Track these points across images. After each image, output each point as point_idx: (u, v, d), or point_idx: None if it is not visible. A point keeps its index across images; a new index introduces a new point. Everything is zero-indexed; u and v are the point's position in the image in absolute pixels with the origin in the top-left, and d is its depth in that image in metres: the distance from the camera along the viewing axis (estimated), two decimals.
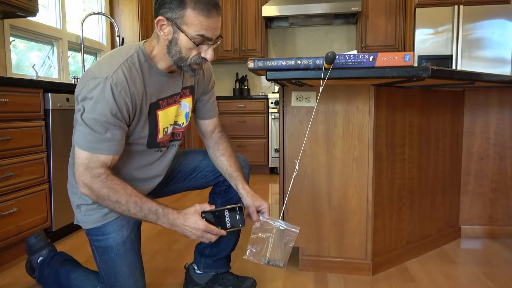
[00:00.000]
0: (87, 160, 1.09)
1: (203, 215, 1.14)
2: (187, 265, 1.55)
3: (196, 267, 1.51)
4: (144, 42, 1.19)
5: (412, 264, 1.77)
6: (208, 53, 1.13)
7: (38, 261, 1.48)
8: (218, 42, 1.16)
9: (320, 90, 1.29)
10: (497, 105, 2.06)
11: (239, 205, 1.19)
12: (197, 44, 1.10)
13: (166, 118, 1.25)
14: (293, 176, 1.49)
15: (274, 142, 4.18)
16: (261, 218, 1.24)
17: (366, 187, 1.62)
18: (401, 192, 1.79)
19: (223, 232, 1.15)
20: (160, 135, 1.24)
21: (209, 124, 1.43)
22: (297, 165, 1.45)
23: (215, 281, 1.50)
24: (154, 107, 1.20)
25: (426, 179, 1.91)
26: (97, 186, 1.10)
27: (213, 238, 1.15)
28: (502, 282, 1.59)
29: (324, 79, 1.23)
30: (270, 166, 4.25)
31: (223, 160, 1.37)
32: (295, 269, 1.71)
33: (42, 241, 1.52)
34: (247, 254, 1.22)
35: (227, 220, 1.16)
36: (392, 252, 1.75)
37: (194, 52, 1.12)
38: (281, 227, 1.22)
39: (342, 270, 1.67)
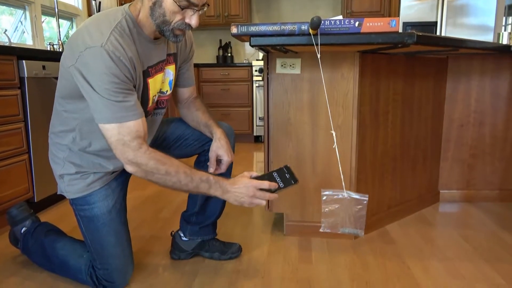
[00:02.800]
0: (119, 135, 1.05)
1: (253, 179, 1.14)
2: (173, 233, 1.57)
3: (182, 234, 1.52)
4: (129, 5, 1.14)
5: (392, 227, 1.84)
6: (193, 19, 1.09)
7: (22, 231, 1.47)
8: (204, 9, 1.12)
9: (318, 57, 1.27)
10: (479, 72, 2.08)
11: (286, 165, 1.20)
12: (182, 8, 1.06)
13: (155, 85, 1.22)
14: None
15: (259, 110, 4.16)
16: (326, 192, 1.22)
17: (349, 154, 1.65)
18: (384, 159, 1.82)
19: (274, 185, 1.13)
20: (150, 104, 1.22)
21: (187, 92, 1.43)
22: (334, 135, 1.42)
23: (201, 248, 1.52)
24: (145, 75, 1.17)
25: (408, 146, 1.94)
26: (143, 159, 1.06)
27: (267, 196, 1.12)
28: (477, 242, 1.67)
29: (312, 45, 1.21)
30: (254, 134, 4.25)
31: (199, 113, 1.38)
32: (279, 234, 1.76)
33: (24, 212, 1.50)
34: (322, 227, 1.22)
35: (278, 180, 1.16)
36: (374, 217, 1.80)
37: (178, 17, 1.08)
38: (349, 197, 1.22)
39: (325, 234, 1.71)
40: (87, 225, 1.24)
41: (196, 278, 1.39)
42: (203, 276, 1.41)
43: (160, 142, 1.42)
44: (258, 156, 3.52)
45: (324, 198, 1.22)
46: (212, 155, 1.29)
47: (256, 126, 4.21)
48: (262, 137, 4.30)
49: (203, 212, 1.47)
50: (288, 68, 1.62)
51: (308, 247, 1.63)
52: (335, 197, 1.22)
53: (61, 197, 2.26)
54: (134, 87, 1.12)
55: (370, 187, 1.77)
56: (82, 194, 1.21)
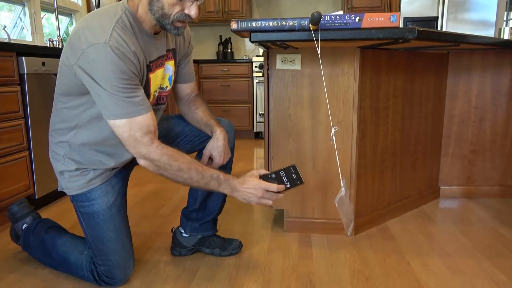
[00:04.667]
0: (130, 131, 1.06)
1: (261, 178, 1.16)
2: (173, 229, 1.57)
3: (183, 231, 1.52)
4: (128, 0, 1.13)
5: (392, 223, 1.84)
6: (192, 9, 1.09)
7: (23, 228, 1.48)
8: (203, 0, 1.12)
9: (318, 52, 1.27)
10: (480, 68, 2.08)
11: (292, 164, 1.21)
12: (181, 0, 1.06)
13: (156, 81, 1.22)
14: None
15: (259, 106, 4.15)
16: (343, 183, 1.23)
17: (350, 151, 1.64)
18: (384, 155, 1.82)
19: (282, 187, 1.15)
20: (151, 99, 1.22)
21: (187, 88, 1.42)
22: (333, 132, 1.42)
23: (202, 244, 1.53)
24: (147, 70, 1.16)
25: (408, 142, 1.94)
26: (156, 155, 1.08)
27: (273, 197, 1.15)
28: (477, 238, 1.67)
29: (312, 40, 1.21)
30: (255, 131, 4.24)
31: (199, 112, 1.37)
32: (280, 230, 1.76)
33: (25, 208, 1.50)
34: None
35: (285, 180, 1.18)
36: (374, 213, 1.80)
37: (177, 8, 1.08)
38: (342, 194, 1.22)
39: (325, 230, 1.72)
40: (88, 221, 1.24)
41: (196, 274, 1.40)
42: (204, 272, 1.41)
43: (160, 139, 1.42)
44: (259, 153, 3.52)
45: (343, 183, 1.23)
46: (205, 153, 1.30)
47: (257, 122, 4.20)
48: (263, 133, 4.30)
49: (203, 209, 1.47)
50: (288, 64, 1.61)
51: (308, 243, 1.63)
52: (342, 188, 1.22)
53: (62, 194, 2.26)
54: (140, 81, 1.12)
55: (370, 183, 1.77)
56: (83, 191, 1.21)
